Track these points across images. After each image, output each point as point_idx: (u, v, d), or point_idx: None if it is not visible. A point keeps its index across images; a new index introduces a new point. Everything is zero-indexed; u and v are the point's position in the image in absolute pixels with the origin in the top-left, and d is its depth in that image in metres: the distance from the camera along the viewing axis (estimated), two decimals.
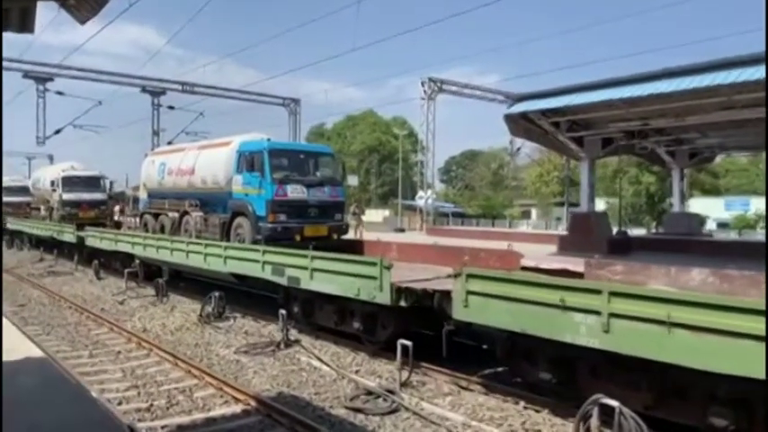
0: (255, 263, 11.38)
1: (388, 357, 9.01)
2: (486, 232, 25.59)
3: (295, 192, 12.98)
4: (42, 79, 26.55)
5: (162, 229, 16.82)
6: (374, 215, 43.49)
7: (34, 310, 14.39)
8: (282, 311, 9.97)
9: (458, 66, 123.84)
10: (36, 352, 6.82)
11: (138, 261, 16.72)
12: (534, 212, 66.53)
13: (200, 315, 12.03)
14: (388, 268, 8.46)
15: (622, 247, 13.45)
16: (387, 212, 51.80)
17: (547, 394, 7.25)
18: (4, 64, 26.47)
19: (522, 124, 15.45)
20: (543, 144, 18.43)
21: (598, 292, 5.94)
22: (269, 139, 13.36)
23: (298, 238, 12.77)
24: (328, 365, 8.85)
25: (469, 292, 7.27)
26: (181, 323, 12.02)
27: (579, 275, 8.90)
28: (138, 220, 24.02)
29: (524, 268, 10.18)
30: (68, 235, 21.99)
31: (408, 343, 7.63)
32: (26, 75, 26.26)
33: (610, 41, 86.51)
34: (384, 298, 8.46)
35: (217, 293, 12.04)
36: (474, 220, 56.23)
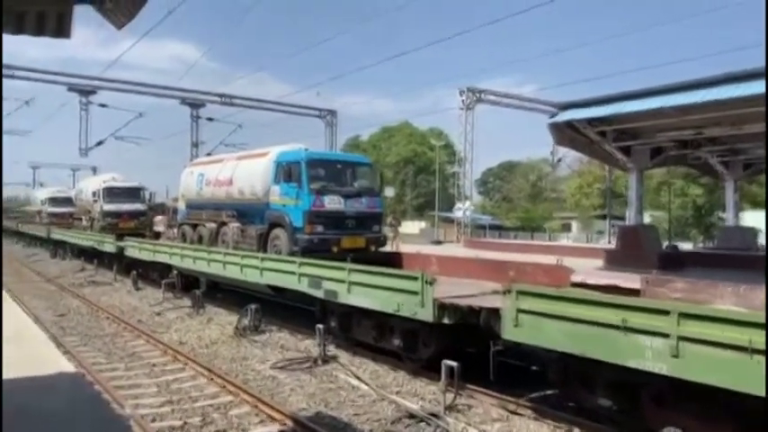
0: (292, 275, 11.11)
1: (430, 377, 8.58)
2: (526, 245, 24.92)
3: (332, 202, 12.70)
4: (86, 92, 27.16)
5: (200, 240, 16.77)
6: (410, 227, 43.13)
7: (73, 320, 14.42)
8: (320, 326, 9.64)
9: (494, 77, 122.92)
10: (70, 366, 6.63)
11: (175, 272, 16.68)
12: (575, 225, 65.08)
13: (237, 328, 11.80)
14: (431, 283, 8.04)
15: (674, 263, 12.75)
16: (423, 224, 51.33)
17: (603, 421, 6.71)
18: (50, 77, 27.29)
19: (567, 133, 14.92)
20: (589, 154, 17.81)
21: (665, 312, 5.41)
22: (306, 149, 13.14)
23: (335, 249, 12.45)
24: (367, 384, 8.47)
25: (520, 311, 6.80)
26: (217, 336, 11.81)
27: (632, 292, 8.37)
28: (176, 230, 24.19)
29: (574, 284, 9.66)
30: (109, 245, 22.22)
31: (454, 364, 7.19)
32: (71, 88, 26.92)
33: (646, 50, 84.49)
34: (426, 314, 8.04)
35: (253, 306, 11.80)
36: (512, 232, 55.29)
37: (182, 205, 19.45)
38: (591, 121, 13.81)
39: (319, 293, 10.32)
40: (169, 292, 16.64)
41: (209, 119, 29.45)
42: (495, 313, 7.26)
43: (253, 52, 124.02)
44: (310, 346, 10.64)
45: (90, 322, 14.22)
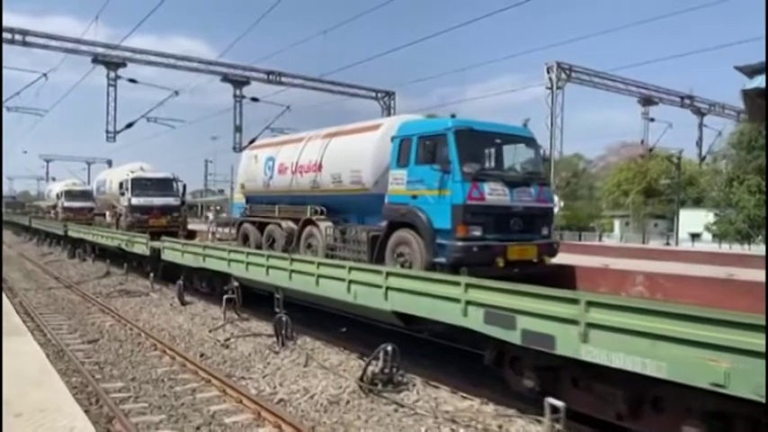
0: (452, 302, 7.23)
1: None
2: (632, 249, 21.00)
3: (494, 193, 8.62)
4: (114, 64, 23.23)
5: (271, 244, 12.87)
6: None
7: (110, 351, 10.75)
8: (552, 402, 5.73)
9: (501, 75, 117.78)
10: None
11: (236, 283, 12.90)
12: (617, 224, 61.54)
13: (362, 379, 7.94)
14: None
15: None
16: None
17: None
18: (71, 46, 23.56)
19: (758, 104, 11.24)
20: None
21: None
22: (453, 116, 9.10)
23: (500, 263, 8.47)
24: None
25: None
26: (334, 391, 7.93)
27: None
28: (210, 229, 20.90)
29: None
30: (140, 246, 18.45)
31: None
32: (96, 59, 23.02)
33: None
34: None
35: (389, 347, 7.90)
36: (557, 232, 51.45)
37: (239, 199, 15.60)
38: None
39: (511, 336, 6.46)
40: (229, 309, 12.88)
41: (254, 99, 25.44)
42: None
43: (260, 49, 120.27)
44: (490, 416, 6.82)
45: (133, 354, 10.54)
